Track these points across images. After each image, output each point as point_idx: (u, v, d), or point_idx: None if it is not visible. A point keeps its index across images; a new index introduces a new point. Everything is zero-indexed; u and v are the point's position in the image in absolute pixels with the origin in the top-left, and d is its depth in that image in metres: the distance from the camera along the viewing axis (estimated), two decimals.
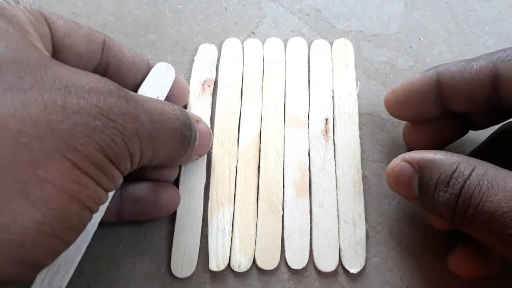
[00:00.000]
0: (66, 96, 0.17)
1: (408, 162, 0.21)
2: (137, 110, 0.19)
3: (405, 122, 0.27)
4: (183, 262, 0.25)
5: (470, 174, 0.19)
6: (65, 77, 0.17)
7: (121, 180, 0.19)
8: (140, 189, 0.25)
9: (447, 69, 0.22)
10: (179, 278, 0.24)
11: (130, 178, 0.24)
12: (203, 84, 0.29)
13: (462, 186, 0.19)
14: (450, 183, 0.19)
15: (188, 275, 0.24)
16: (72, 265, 0.22)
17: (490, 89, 0.21)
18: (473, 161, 0.19)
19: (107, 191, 0.19)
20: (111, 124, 0.18)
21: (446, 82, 0.22)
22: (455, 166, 0.19)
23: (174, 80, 0.26)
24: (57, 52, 0.21)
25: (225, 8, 0.32)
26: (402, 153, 0.22)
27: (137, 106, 0.19)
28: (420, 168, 0.21)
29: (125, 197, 0.24)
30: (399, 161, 0.21)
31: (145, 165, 0.21)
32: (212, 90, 0.29)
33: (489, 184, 0.18)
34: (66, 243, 0.17)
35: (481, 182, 0.18)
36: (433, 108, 0.23)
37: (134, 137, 0.19)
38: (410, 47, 0.30)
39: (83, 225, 0.18)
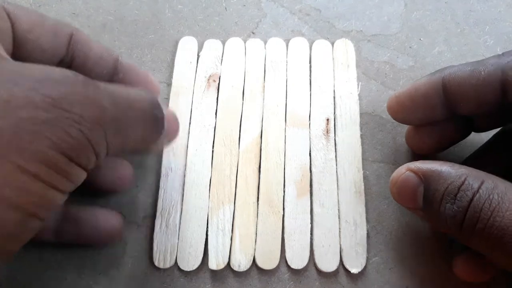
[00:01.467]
0: (12, 89, 0.15)
1: (414, 172, 0.20)
2: (98, 94, 0.17)
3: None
4: (189, 256, 0.25)
5: (479, 187, 0.18)
6: (14, 70, 0.16)
7: (83, 176, 0.17)
8: (83, 210, 0.24)
9: (453, 74, 0.21)
10: (179, 277, 0.24)
11: (78, 193, 0.20)
12: (208, 79, 0.29)
13: (471, 199, 0.18)
14: (458, 195, 0.19)
15: (193, 269, 0.24)
16: (178, 206, 0.25)
17: (499, 94, 0.20)
18: (481, 174, 0.19)
19: (64, 192, 0.17)
20: (65, 114, 0.16)
21: (453, 87, 0.21)
22: (463, 178, 0.19)
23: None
24: (20, 46, 0.20)
25: (225, 8, 0.32)
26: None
27: (97, 90, 0.17)
28: (426, 179, 0.20)
29: (65, 217, 0.23)
30: (404, 170, 0.21)
31: (116, 153, 0.19)
32: (217, 85, 0.29)
33: (499, 199, 0.18)
34: (9, 252, 0.16)
35: (491, 196, 0.18)
36: (439, 112, 0.23)
37: (96, 126, 0.17)
38: (410, 47, 0.30)
39: (30, 231, 0.16)
